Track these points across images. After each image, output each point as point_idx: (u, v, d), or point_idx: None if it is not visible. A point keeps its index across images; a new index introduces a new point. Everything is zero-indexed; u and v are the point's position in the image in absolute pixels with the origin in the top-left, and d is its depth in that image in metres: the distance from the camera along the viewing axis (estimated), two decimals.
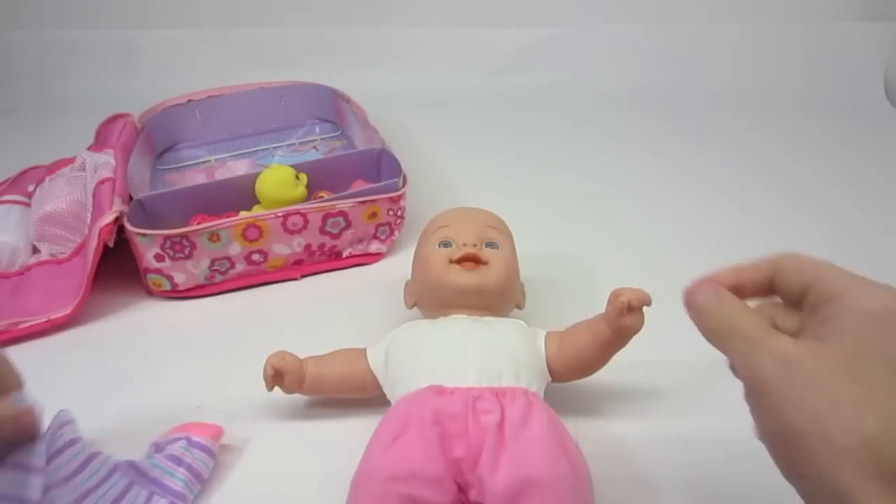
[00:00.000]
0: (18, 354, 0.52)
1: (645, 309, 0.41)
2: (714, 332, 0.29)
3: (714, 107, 1.00)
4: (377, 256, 0.64)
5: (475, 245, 0.47)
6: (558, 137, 0.92)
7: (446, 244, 0.47)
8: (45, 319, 0.54)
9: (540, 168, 0.83)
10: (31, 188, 0.69)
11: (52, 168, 0.70)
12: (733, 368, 0.29)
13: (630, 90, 1.05)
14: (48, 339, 0.55)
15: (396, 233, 0.64)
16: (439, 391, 0.38)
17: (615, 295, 0.40)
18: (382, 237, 0.63)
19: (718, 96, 1.03)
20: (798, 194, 0.75)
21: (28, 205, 0.67)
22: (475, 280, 0.45)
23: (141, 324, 0.57)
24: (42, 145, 0.84)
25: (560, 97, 1.04)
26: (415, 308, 0.51)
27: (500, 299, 0.47)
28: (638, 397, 0.47)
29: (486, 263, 0.46)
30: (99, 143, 0.71)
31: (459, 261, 0.46)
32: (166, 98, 0.82)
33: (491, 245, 0.48)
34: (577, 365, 0.43)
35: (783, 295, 0.30)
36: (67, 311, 0.55)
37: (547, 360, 0.42)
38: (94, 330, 0.56)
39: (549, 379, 0.43)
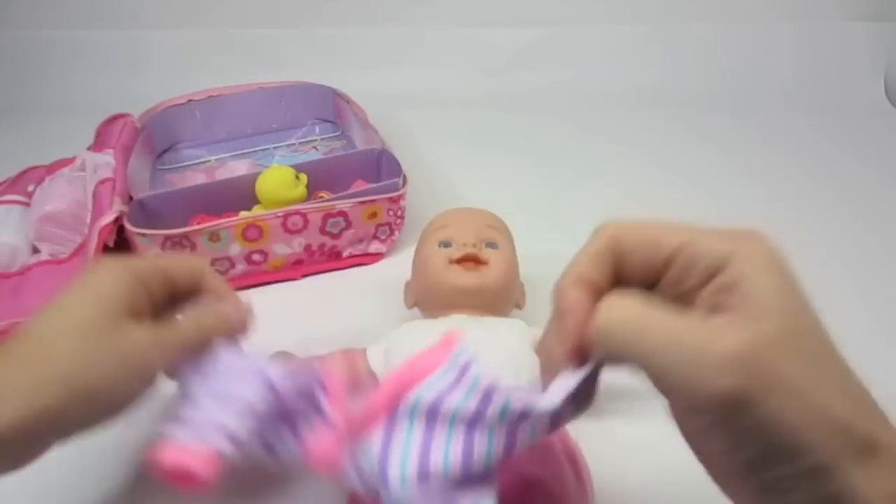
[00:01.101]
0: None
1: None
2: (633, 346, 0.22)
3: (713, 107, 1.00)
4: (377, 256, 0.64)
5: (475, 245, 0.47)
6: (558, 137, 0.92)
7: (446, 244, 0.47)
8: None
9: (540, 167, 0.83)
10: (31, 188, 0.69)
11: (52, 168, 0.70)
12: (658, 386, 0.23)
13: (630, 90, 1.05)
14: None
15: (396, 233, 0.64)
16: None
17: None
18: (382, 237, 0.63)
19: (718, 96, 1.03)
20: (798, 194, 0.75)
21: (28, 205, 0.66)
22: (475, 280, 0.45)
23: None
24: (42, 145, 0.84)
25: (560, 97, 1.04)
26: (415, 308, 0.51)
27: (501, 299, 0.47)
28: (638, 397, 0.47)
29: (486, 263, 0.46)
30: (99, 143, 0.71)
31: (459, 261, 0.46)
32: (166, 98, 0.82)
33: (491, 245, 0.48)
34: None
35: (638, 279, 0.25)
36: None
37: None
38: None
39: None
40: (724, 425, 0.21)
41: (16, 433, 0.28)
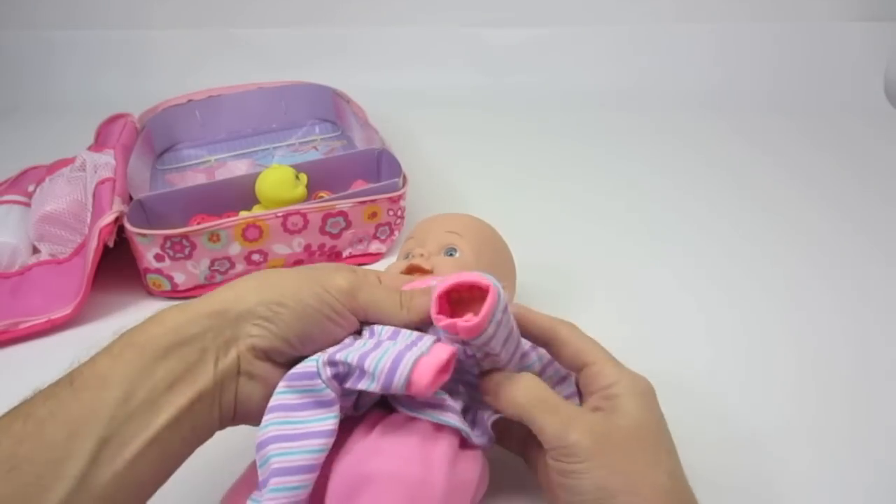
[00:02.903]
0: (18, 354, 0.53)
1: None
2: (522, 406, 0.33)
3: (714, 107, 1.00)
4: (377, 256, 0.64)
5: (422, 255, 0.45)
6: (558, 137, 0.92)
7: (409, 255, 0.46)
8: (45, 319, 0.54)
9: (540, 167, 0.83)
10: (31, 188, 0.69)
11: (52, 168, 0.70)
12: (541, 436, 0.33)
13: (630, 90, 1.05)
14: (48, 339, 0.55)
15: (396, 233, 0.64)
16: None
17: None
18: (382, 237, 0.63)
19: (719, 97, 1.03)
20: (797, 195, 0.75)
21: (28, 205, 0.67)
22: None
23: None
24: (42, 145, 0.85)
25: (560, 97, 1.04)
26: None
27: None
28: None
29: (430, 271, 0.44)
30: (99, 143, 0.71)
31: (407, 272, 0.44)
32: (166, 98, 0.82)
33: (450, 251, 0.46)
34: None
35: (559, 359, 0.36)
36: (67, 311, 0.55)
37: None
38: (94, 330, 0.56)
39: None
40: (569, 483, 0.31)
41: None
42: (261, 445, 0.31)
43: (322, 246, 0.61)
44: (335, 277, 0.35)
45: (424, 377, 0.31)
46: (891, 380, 0.49)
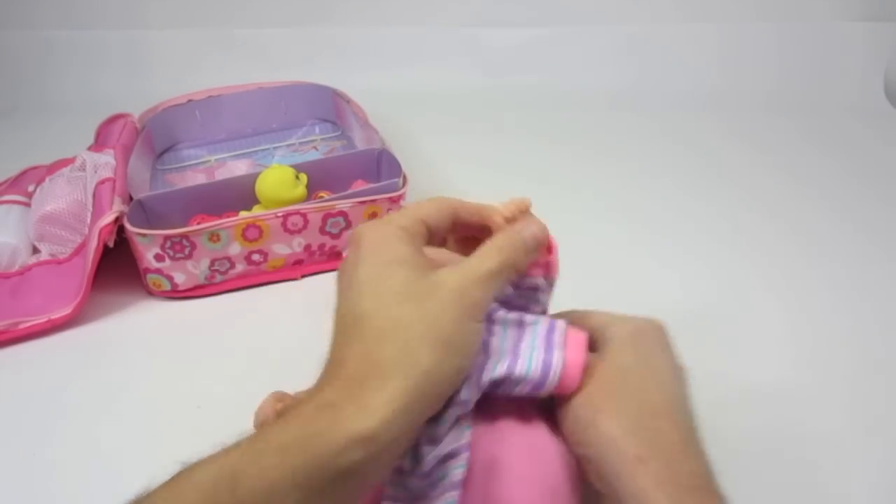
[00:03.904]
0: (18, 354, 0.53)
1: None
2: None
3: (714, 107, 1.00)
4: None
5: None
6: (558, 137, 0.92)
7: None
8: (45, 319, 0.55)
9: (540, 167, 0.83)
10: (31, 188, 0.69)
11: (52, 168, 0.70)
12: None
13: (630, 90, 1.05)
14: (48, 339, 0.55)
15: None
16: None
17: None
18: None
19: (719, 97, 1.03)
20: (798, 194, 0.75)
21: (28, 205, 0.67)
22: None
23: (141, 324, 0.57)
24: (42, 145, 0.84)
25: (560, 97, 1.04)
26: None
27: None
28: None
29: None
30: (99, 143, 0.71)
31: None
32: (166, 98, 0.82)
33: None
34: None
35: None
36: (67, 311, 0.55)
37: None
38: (94, 330, 0.56)
39: None
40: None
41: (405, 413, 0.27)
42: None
43: (322, 246, 0.61)
44: (472, 293, 0.30)
45: (575, 379, 0.32)
46: (891, 379, 0.49)
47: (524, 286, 0.35)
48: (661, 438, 0.29)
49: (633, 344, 0.33)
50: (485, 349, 0.32)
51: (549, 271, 0.36)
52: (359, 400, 0.27)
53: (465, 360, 0.29)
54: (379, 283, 0.30)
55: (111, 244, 0.56)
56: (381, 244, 0.31)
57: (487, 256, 0.32)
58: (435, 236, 0.34)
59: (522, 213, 0.37)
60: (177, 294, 0.59)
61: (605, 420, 0.30)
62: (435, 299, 0.29)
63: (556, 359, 0.32)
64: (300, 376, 0.33)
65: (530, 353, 0.32)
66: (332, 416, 0.26)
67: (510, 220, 0.36)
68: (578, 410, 0.31)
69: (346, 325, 0.30)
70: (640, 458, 0.28)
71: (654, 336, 0.35)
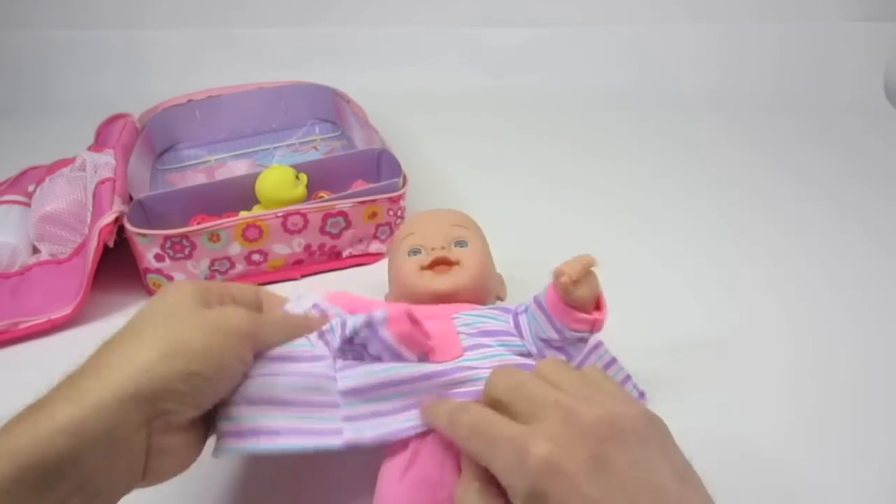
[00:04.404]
0: (18, 354, 0.53)
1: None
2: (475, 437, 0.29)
3: (714, 107, 1.00)
4: (377, 256, 0.64)
5: (443, 247, 0.46)
6: (558, 137, 0.92)
7: (416, 251, 0.47)
8: (45, 319, 0.55)
9: (540, 167, 0.83)
10: (31, 188, 0.69)
11: (52, 168, 0.70)
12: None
13: (630, 90, 1.05)
14: (48, 339, 0.55)
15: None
16: None
17: (556, 276, 0.39)
18: (382, 237, 0.63)
19: (719, 97, 1.03)
20: (798, 194, 0.75)
21: (28, 205, 0.67)
22: (449, 282, 0.45)
23: None
24: (42, 145, 0.84)
25: (560, 97, 1.04)
26: None
27: (478, 295, 0.46)
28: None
29: (457, 263, 0.46)
30: (99, 143, 0.71)
31: (430, 265, 0.45)
32: (166, 98, 0.82)
33: (460, 244, 0.47)
34: None
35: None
36: (67, 311, 0.55)
37: None
38: (94, 330, 0.56)
39: None
40: None
41: (130, 399, 0.28)
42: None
43: (322, 246, 0.61)
44: (233, 319, 0.33)
45: (399, 322, 0.35)
46: (891, 378, 0.49)
47: (572, 338, 0.39)
48: None
49: None
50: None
51: (594, 327, 0.39)
52: (68, 394, 0.27)
53: (199, 367, 0.30)
54: (149, 308, 0.33)
55: (111, 244, 0.56)
56: (171, 287, 0.35)
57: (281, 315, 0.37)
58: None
59: (588, 271, 0.39)
60: None
61: None
62: (188, 317, 0.32)
63: (377, 313, 0.35)
64: None
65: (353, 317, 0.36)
66: (38, 412, 0.27)
67: (576, 282, 0.38)
68: None
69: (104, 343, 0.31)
70: None
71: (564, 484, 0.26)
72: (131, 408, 0.28)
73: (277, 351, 0.35)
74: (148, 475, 0.30)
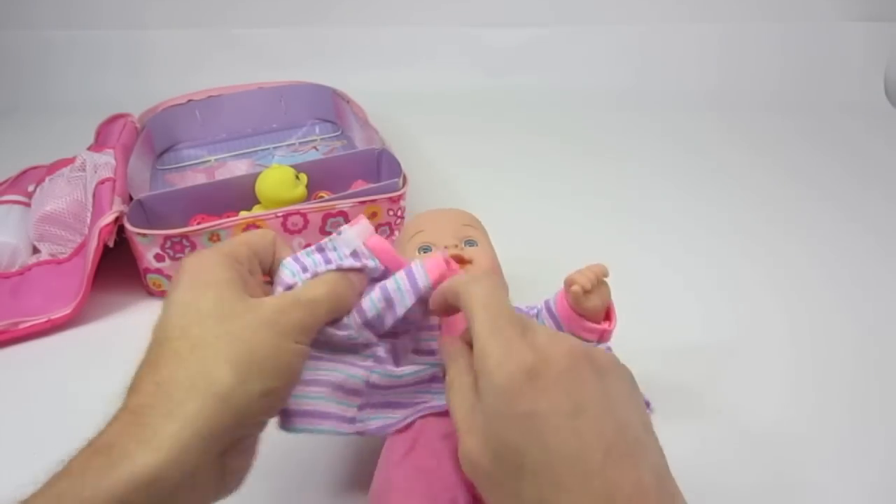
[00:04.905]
0: (18, 354, 0.53)
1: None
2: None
3: (714, 107, 1.00)
4: None
5: (456, 245, 0.46)
6: (558, 137, 0.92)
7: (426, 249, 0.47)
8: (45, 319, 0.54)
9: (540, 167, 0.83)
10: (31, 188, 0.69)
11: (52, 168, 0.70)
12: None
13: (630, 90, 1.05)
14: (48, 339, 0.55)
15: (397, 233, 0.64)
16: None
17: (567, 284, 0.39)
18: (382, 237, 0.63)
19: (719, 97, 1.03)
20: (798, 194, 0.75)
21: (28, 205, 0.67)
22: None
23: (141, 324, 0.56)
24: (42, 145, 0.84)
25: (560, 97, 1.04)
26: None
27: None
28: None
29: (471, 262, 0.46)
30: (99, 143, 0.71)
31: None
32: (166, 98, 0.82)
33: (470, 243, 0.48)
34: None
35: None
36: (67, 311, 0.55)
37: None
38: (94, 330, 0.56)
39: None
40: None
41: (201, 438, 0.25)
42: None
43: None
44: (293, 316, 0.30)
45: (439, 266, 0.34)
46: (891, 377, 0.49)
47: None
48: None
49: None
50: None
51: (602, 338, 0.40)
52: (140, 435, 0.25)
53: (275, 382, 0.28)
54: (188, 305, 0.29)
55: (111, 244, 0.56)
56: (199, 268, 0.30)
57: (313, 286, 0.32)
58: (264, 264, 0.34)
59: (601, 280, 0.39)
60: None
61: None
62: (245, 319, 0.28)
63: (415, 264, 0.34)
64: None
65: (387, 284, 0.34)
66: (109, 458, 0.24)
67: (588, 292, 0.38)
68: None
69: (150, 350, 0.28)
70: None
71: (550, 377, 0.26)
72: (211, 444, 0.26)
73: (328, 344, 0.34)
74: (220, 494, 0.28)
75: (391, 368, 0.36)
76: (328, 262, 0.35)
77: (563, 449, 0.24)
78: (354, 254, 0.36)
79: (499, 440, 0.26)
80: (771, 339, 0.53)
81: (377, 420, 0.36)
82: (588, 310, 0.39)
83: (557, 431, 0.25)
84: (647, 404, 0.44)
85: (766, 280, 0.61)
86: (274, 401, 0.29)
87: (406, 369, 0.36)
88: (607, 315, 0.41)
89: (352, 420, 0.35)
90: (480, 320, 0.28)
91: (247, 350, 0.27)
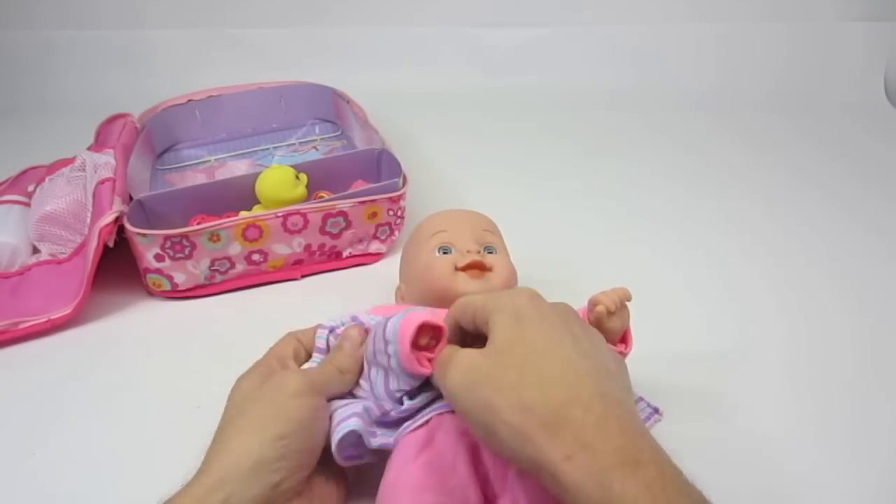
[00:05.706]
0: (18, 354, 0.53)
1: (633, 313, 0.41)
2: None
3: (714, 107, 1.00)
4: (377, 256, 0.64)
5: (478, 251, 0.46)
6: (558, 137, 0.92)
7: (446, 250, 0.47)
8: (45, 319, 0.54)
9: (540, 167, 0.83)
10: (31, 188, 0.69)
11: (52, 168, 0.70)
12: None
13: (630, 90, 1.05)
14: (48, 339, 0.55)
15: (396, 233, 0.64)
16: None
17: (592, 304, 0.40)
18: (382, 237, 0.63)
19: (718, 97, 1.03)
20: (798, 194, 0.75)
21: (28, 205, 0.67)
22: (482, 287, 0.44)
23: (141, 324, 0.57)
24: (42, 145, 0.84)
25: (560, 97, 1.04)
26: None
27: None
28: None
29: (490, 270, 0.46)
30: (99, 143, 0.71)
31: (465, 268, 0.45)
32: (166, 98, 0.82)
33: (489, 249, 0.48)
34: None
35: (471, 331, 0.36)
36: (67, 311, 0.55)
37: None
38: (94, 330, 0.56)
39: None
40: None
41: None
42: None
43: (322, 246, 0.61)
44: (287, 384, 0.36)
45: (410, 324, 0.35)
46: (892, 378, 0.49)
47: None
48: (574, 426, 0.28)
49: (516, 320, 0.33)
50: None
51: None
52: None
53: (285, 431, 0.34)
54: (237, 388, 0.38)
55: (111, 244, 0.56)
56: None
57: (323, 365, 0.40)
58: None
59: (624, 303, 0.40)
60: (177, 294, 0.59)
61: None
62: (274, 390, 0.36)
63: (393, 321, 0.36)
64: None
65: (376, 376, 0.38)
66: None
67: (612, 313, 0.39)
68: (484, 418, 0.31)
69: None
70: (567, 458, 0.27)
71: (536, 310, 0.34)
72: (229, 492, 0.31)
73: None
74: None
75: (407, 402, 0.37)
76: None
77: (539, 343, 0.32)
78: (354, 318, 0.42)
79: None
80: (772, 340, 0.53)
81: (378, 439, 0.37)
82: (608, 331, 0.39)
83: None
84: (657, 410, 0.44)
85: (765, 279, 0.61)
86: (283, 444, 0.33)
87: (420, 397, 0.37)
88: (623, 338, 0.41)
89: (373, 433, 0.37)
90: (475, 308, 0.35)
91: (271, 414, 0.35)
